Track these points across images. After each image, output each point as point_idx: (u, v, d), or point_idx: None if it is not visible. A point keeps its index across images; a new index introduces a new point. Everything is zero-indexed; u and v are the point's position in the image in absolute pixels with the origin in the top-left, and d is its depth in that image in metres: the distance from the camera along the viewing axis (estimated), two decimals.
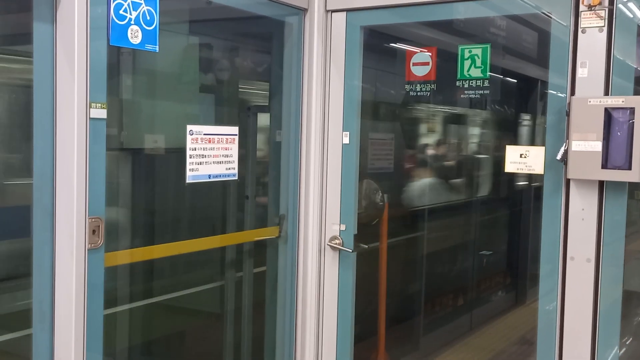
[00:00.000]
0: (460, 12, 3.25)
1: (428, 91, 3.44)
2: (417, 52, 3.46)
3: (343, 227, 3.49)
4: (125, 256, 3.17)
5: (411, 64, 3.45)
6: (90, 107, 2.44)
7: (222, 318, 4.13)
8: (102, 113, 2.50)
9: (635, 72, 2.80)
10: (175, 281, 4.18)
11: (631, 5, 2.78)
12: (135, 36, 2.60)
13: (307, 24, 3.45)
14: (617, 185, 2.77)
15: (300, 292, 3.57)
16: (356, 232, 3.50)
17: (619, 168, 2.68)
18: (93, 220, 2.50)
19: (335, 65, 3.45)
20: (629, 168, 2.66)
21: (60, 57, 2.43)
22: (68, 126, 2.42)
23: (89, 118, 2.44)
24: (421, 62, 3.42)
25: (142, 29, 2.63)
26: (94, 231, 2.51)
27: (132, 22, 2.58)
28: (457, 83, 3.22)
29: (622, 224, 2.81)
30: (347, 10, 3.41)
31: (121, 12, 2.53)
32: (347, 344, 3.57)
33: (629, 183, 2.75)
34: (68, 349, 2.48)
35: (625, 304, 2.87)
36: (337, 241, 3.50)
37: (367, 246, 3.65)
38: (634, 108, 2.64)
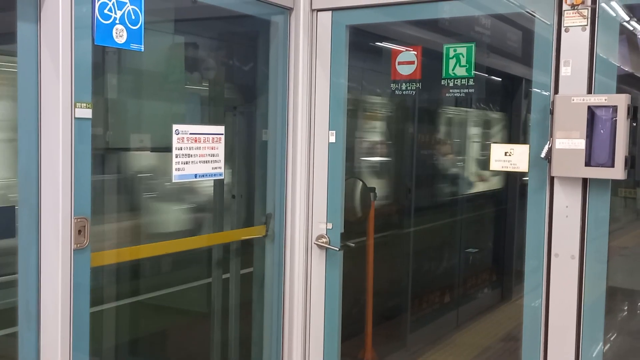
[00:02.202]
0: (445, 11, 3.27)
1: (413, 90, 3.46)
2: (402, 51, 3.47)
3: (330, 226, 3.50)
4: (111, 256, 3.16)
5: (396, 63, 3.46)
6: (75, 106, 2.44)
7: (209, 317, 4.13)
8: (87, 113, 2.49)
9: (618, 70, 2.83)
10: (162, 280, 4.17)
11: (614, 4, 2.81)
12: (120, 35, 2.60)
13: (293, 23, 3.45)
14: (600, 182, 2.79)
15: (287, 291, 3.58)
16: (343, 231, 3.51)
17: (602, 166, 2.71)
18: (79, 220, 2.49)
19: (321, 64, 3.46)
20: (612, 165, 2.69)
21: (45, 57, 2.42)
22: (53, 126, 2.41)
23: (74, 118, 2.44)
24: (406, 61, 3.44)
25: (127, 29, 2.62)
26: (79, 231, 2.50)
27: (117, 21, 2.58)
28: (442, 82, 3.24)
29: (605, 220, 2.84)
30: (333, 10, 3.41)
31: (106, 11, 2.53)
32: (335, 342, 3.58)
33: (613, 180, 2.78)
34: (54, 349, 2.47)
35: (609, 300, 2.90)
36: (324, 240, 3.51)
37: (353, 244, 3.66)
38: (616, 106, 2.67)
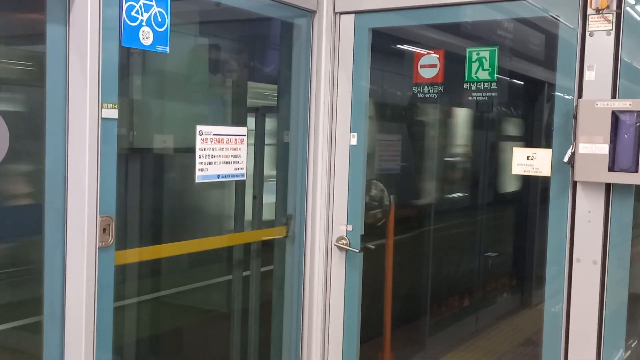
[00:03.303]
0: (468, 15, 3.27)
1: (435, 93, 3.46)
2: (424, 54, 3.47)
3: (350, 228, 3.51)
4: (134, 255, 3.20)
5: (419, 66, 3.47)
6: (102, 107, 2.47)
7: (229, 317, 4.15)
8: (113, 113, 2.52)
9: None
10: (183, 280, 4.21)
11: (639, 8, 2.79)
12: (146, 37, 2.63)
13: (316, 26, 3.47)
14: (623, 187, 2.78)
15: (307, 292, 3.59)
16: (363, 233, 3.52)
17: (626, 171, 2.69)
18: (104, 219, 2.52)
19: (343, 67, 3.47)
20: (636, 171, 2.67)
21: (73, 58, 2.46)
22: (80, 126, 2.45)
23: (101, 118, 2.47)
24: (429, 64, 3.44)
25: (154, 30, 2.65)
26: (104, 230, 2.53)
27: (144, 23, 2.61)
28: (465, 85, 3.24)
29: (629, 226, 2.82)
30: (356, 13, 3.43)
31: (133, 13, 2.56)
32: (354, 344, 3.59)
33: (636, 185, 2.76)
34: (78, 347, 2.51)
35: (631, 307, 2.88)
36: (344, 241, 3.52)
37: (373, 246, 3.66)
38: None
